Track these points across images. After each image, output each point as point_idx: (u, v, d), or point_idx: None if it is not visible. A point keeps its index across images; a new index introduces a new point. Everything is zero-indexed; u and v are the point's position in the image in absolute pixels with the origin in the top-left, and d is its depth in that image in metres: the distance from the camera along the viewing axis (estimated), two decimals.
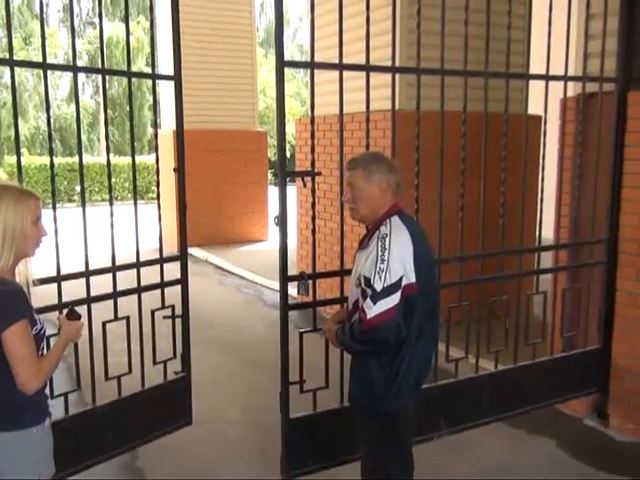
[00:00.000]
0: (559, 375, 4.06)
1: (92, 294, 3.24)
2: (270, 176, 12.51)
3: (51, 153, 3.15)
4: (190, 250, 8.85)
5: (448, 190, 3.56)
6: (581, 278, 4.21)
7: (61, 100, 30.43)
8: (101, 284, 3.32)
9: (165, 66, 9.44)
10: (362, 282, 2.47)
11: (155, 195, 3.71)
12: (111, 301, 3.35)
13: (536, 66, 4.62)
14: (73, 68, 3.15)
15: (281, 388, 3.24)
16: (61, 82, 30.51)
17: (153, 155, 3.79)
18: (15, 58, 2.91)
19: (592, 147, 4.05)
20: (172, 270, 3.63)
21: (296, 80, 32.11)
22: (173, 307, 3.61)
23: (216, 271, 9.47)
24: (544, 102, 3.83)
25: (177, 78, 3.49)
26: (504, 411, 3.87)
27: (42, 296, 2.74)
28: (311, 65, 3.24)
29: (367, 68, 3.29)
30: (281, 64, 3.02)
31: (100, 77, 3.51)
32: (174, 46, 3.44)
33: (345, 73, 3.24)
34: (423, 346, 2.56)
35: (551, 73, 3.81)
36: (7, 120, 26.19)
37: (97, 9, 3.35)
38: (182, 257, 3.66)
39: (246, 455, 3.87)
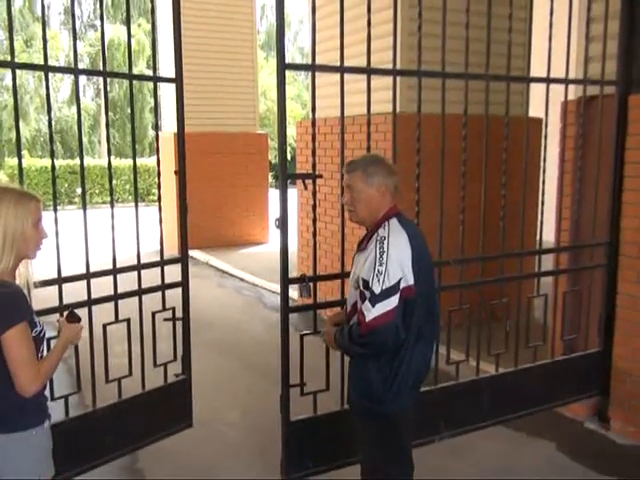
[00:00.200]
0: (560, 378, 4.06)
1: (93, 296, 3.24)
2: (271, 179, 12.52)
3: (52, 155, 3.16)
4: (191, 252, 8.85)
5: (449, 193, 3.56)
6: (582, 281, 4.20)
7: (62, 102, 30.47)
8: (102, 286, 3.32)
9: (166, 68, 9.45)
10: (361, 284, 2.47)
11: (156, 197, 3.71)
12: (112, 303, 3.35)
13: (537, 69, 4.63)
14: (74, 70, 3.15)
15: (282, 390, 3.24)
16: (62, 84, 30.54)
17: (154, 157, 3.79)
18: (16, 60, 2.92)
19: (593, 150, 4.05)
20: (173, 272, 3.63)
21: (297, 83, 32.15)
22: (174, 309, 3.60)
23: (217, 273, 9.48)
24: (545, 105, 3.84)
25: (178, 80, 3.49)
26: (505, 414, 3.86)
27: (43, 298, 2.74)
28: (312, 68, 3.25)
29: (368, 71, 3.29)
30: (282, 67, 3.02)
31: (101, 79, 3.51)
32: (175, 48, 3.44)
33: (346, 76, 3.24)
34: (422, 348, 2.56)
35: (552, 76, 3.81)
36: (8, 122, 26.21)
37: (98, 12, 3.36)
38: (183, 259, 3.66)
39: (246, 457, 3.86)
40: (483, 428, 3.77)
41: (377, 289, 2.38)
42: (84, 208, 3.24)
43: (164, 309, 3.59)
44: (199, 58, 10.01)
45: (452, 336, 3.63)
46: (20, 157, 3.03)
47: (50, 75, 3.04)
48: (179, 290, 3.63)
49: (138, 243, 3.45)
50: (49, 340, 2.42)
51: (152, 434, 3.51)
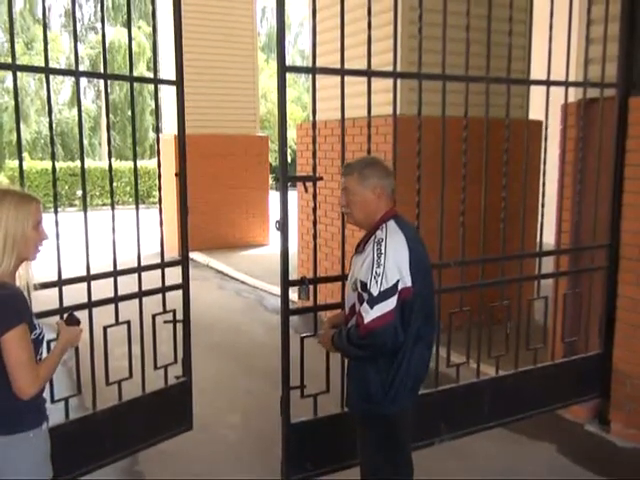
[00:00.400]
0: (560, 380, 4.05)
1: (93, 298, 3.24)
2: (271, 181, 12.51)
3: (53, 157, 3.16)
4: (191, 255, 8.86)
5: (449, 195, 3.56)
6: (582, 283, 4.20)
7: (63, 104, 30.47)
8: (102, 288, 3.32)
9: (166, 71, 9.46)
10: (358, 286, 2.48)
11: (156, 199, 3.71)
12: (112, 305, 3.35)
13: (537, 72, 4.63)
14: (75, 73, 3.16)
15: (282, 393, 3.24)
16: (63, 87, 30.53)
17: (154, 160, 3.80)
18: (17, 63, 2.92)
19: (593, 152, 4.05)
20: (173, 275, 3.64)
21: (297, 85, 32.16)
22: (174, 312, 3.60)
23: (217, 276, 9.48)
24: (545, 107, 3.84)
25: (179, 83, 3.50)
26: (505, 416, 3.86)
27: (43, 300, 2.74)
28: (312, 70, 3.25)
29: (369, 73, 3.30)
30: (283, 69, 3.03)
31: (102, 82, 3.52)
32: (176, 51, 3.45)
33: (347, 78, 3.25)
34: (420, 350, 2.56)
35: (552, 79, 3.81)
36: (9, 124, 26.23)
37: (99, 14, 3.37)
38: (183, 262, 3.67)
39: (246, 460, 3.86)
40: (483, 430, 3.77)
41: (375, 291, 2.39)
42: (85, 210, 3.24)
43: (164, 311, 3.58)
44: (199, 60, 10.02)
45: (452, 338, 3.63)
46: (21, 159, 3.04)
47: (51, 77, 3.04)
48: (179, 292, 3.63)
49: (139, 245, 3.45)
50: (48, 342, 2.42)
51: (152, 436, 3.51)
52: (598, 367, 4.14)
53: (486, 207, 3.70)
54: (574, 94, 4.15)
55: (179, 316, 3.63)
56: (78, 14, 29.64)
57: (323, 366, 3.29)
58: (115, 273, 3.34)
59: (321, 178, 3.26)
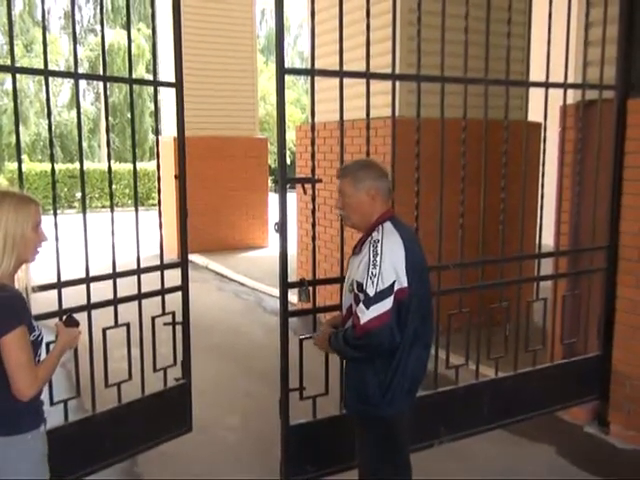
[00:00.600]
0: (559, 382, 4.05)
1: (92, 301, 3.24)
2: (270, 183, 12.52)
3: (52, 159, 3.16)
4: (190, 256, 8.87)
5: (448, 197, 3.56)
6: (581, 285, 4.20)
7: (62, 107, 30.50)
8: (101, 291, 3.32)
9: (166, 73, 9.47)
10: (355, 288, 2.49)
11: (156, 202, 3.71)
12: (111, 308, 3.35)
13: (536, 73, 4.63)
14: (74, 75, 3.16)
15: (281, 395, 3.24)
16: (62, 89, 30.59)
17: (154, 162, 3.80)
18: (17, 65, 2.92)
19: (592, 154, 4.06)
20: (172, 277, 3.63)
21: (296, 87, 32.18)
22: (173, 314, 3.60)
23: (216, 277, 9.47)
24: (544, 109, 3.84)
25: (178, 85, 3.50)
26: (504, 418, 3.86)
27: (42, 302, 2.74)
28: (311, 72, 3.25)
29: (367, 75, 3.30)
30: (281, 71, 3.03)
31: (101, 84, 3.52)
32: (175, 53, 3.45)
33: (345, 80, 3.25)
34: (417, 351, 2.56)
35: (551, 80, 3.82)
36: (8, 126, 26.23)
37: (99, 16, 3.37)
38: (183, 264, 3.67)
39: (246, 462, 3.86)
40: (483, 432, 3.77)
41: (371, 291, 2.39)
42: (84, 212, 3.24)
43: (164, 313, 3.58)
44: (199, 62, 10.02)
45: (452, 340, 3.63)
46: (20, 161, 3.04)
47: (50, 79, 3.05)
48: (179, 294, 3.63)
49: (138, 247, 3.45)
50: (47, 344, 2.42)
51: (152, 438, 3.51)
52: (597, 369, 4.14)
53: (485, 209, 3.70)
54: (573, 96, 4.15)
55: (178, 318, 3.62)
56: (77, 16, 29.66)
57: (322, 368, 3.29)
58: (114, 275, 3.34)
59: (320, 180, 3.26)
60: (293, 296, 3.27)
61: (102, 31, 3.34)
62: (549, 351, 4.17)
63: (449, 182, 3.54)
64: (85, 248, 3.19)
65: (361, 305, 2.41)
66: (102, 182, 21.02)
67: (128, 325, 3.39)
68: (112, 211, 3.38)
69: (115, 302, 3.36)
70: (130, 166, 16.21)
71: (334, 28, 3.25)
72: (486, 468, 3.75)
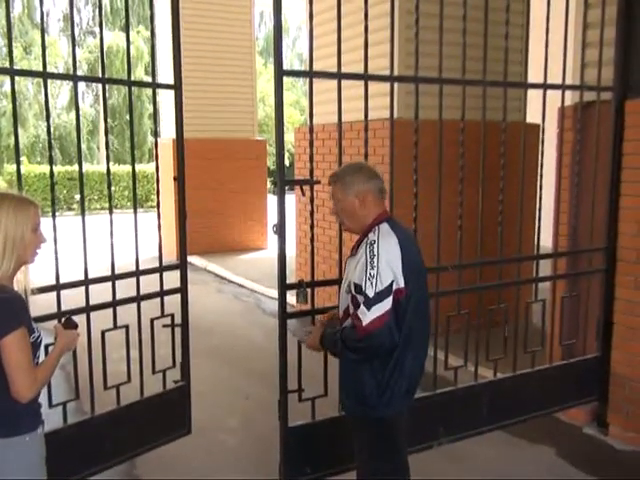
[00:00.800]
0: (558, 383, 4.06)
1: (91, 303, 3.24)
2: (269, 185, 12.52)
3: (51, 161, 3.16)
4: (189, 258, 8.87)
5: (447, 198, 3.56)
6: (580, 286, 4.21)
7: (61, 109, 30.49)
8: (100, 293, 3.32)
9: (165, 75, 9.47)
10: (352, 289, 2.49)
11: (154, 203, 3.71)
12: (110, 310, 3.35)
13: (534, 75, 4.64)
14: (73, 77, 3.16)
15: (279, 396, 3.24)
16: (61, 91, 30.57)
17: (153, 164, 3.80)
18: (15, 67, 2.93)
19: (590, 155, 4.06)
20: (171, 278, 3.63)
21: (295, 89, 32.19)
22: (172, 316, 3.60)
23: (215, 279, 9.47)
24: (542, 111, 3.85)
25: (177, 87, 3.50)
26: (503, 419, 3.87)
27: (41, 305, 2.74)
28: (310, 74, 3.26)
29: (365, 77, 3.31)
30: (280, 73, 3.04)
31: (100, 86, 3.52)
32: (174, 55, 3.45)
33: (344, 82, 3.25)
34: (414, 352, 2.57)
35: (549, 82, 3.83)
36: (7, 129, 26.22)
37: (97, 18, 3.37)
38: (182, 265, 3.67)
39: (245, 464, 3.86)
40: (482, 433, 3.77)
41: (371, 292, 2.39)
42: (83, 214, 3.24)
43: (163, 315, 3.58)
44: (197, 64, 10.03)
45: (450, 341, 3.63)
46: (19, 163, 3.04)
47: (49, 81, 3.05)
48: (178, 296, 3.63)
49: (137, 249, 3.45)
50: (46, 347, 2.42)
51: (151, 441, 3.51)
52: (596, 370, 4.14)
53: (483, 210, 3.71)
54: (571, 97, 4.16)
55: (177, 320, 3.62)
56: (76, 18, 29.69)
57: (321, 369, 3.30)
58: (113, 277, 3.34)
59: (318, 182, 3.26)
60: (292, 298, 3.27)
61: (101, 33, 3.34)
62: (548, 352, 4.17)
63: (447, 184, 3.54)
64: (84, 250, 3.19)
65: (362, 307, 2.41)
66: (101, 184, 21.00)
67: (127, 327, 3.39)
68: (111, 213, 3.38)
69: (114, 304, 3.35)
70: (129, 168, 16.18)
71: (332, 30, 3.25)
72: (485, 469, 3.75)
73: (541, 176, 3.96)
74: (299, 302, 3.25)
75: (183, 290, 3.65)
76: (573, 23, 3.97)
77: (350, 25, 3.43)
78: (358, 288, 2.44)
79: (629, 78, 3.93)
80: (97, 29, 22.96)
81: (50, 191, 3.18)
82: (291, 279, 3.30)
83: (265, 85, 25.89)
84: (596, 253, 4.12)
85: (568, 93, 4.04)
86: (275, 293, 3.46)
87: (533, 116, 4.54)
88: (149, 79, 3.79)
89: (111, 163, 4.00)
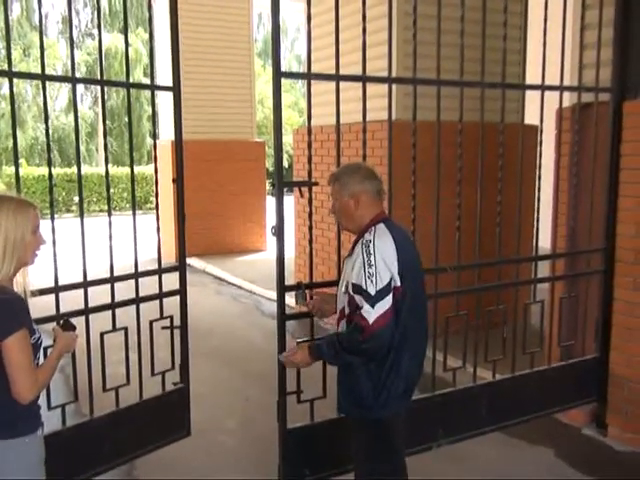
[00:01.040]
0: (557, 384, 4.06)
1: (90, 305, 3.24)
2: (268, 186, 12.52)
3: (49, 164, 3.16)
4: (188, 260, 8.87)
5: (445, 199, 3.57)
6: (578, 287, 4.21)
7: (59, 111, 30.48)
8: (99, 295, 3.32)
9: (163, 77, 9.48)
10: (350, 289, 2.49)
11: (153, 205, 3.71)
12: (109, 312, 3.34)
13: (532, 76, 4.65)
14: (72, 79, 3.16)
15: (278, 398, 3.24)
16: (59, 93, 30.54)
17: (151, 165, 3.80)
18: (14, 69, 2.93)
19: (588, 157, 4.07)
20: (170, 280, 3.63)
21: (294, 90, 32.19)
22: (172, 317, 3.60)
23: (214, 281, 9.47)
24: (540, 112, 3.86)
25: (176, 89, 3.50)
26: (502, 420, 3.87)
27: (40, 306, 2.74)
28: (308, 76, 3.26)
29: (364, 79, 3.31)
30: (278, 75, 3.04)
31: (98, 88, 3.52)
32: (173, 57, 3.46)
33: (342, 83, 3.26)
34: (411, 352, 2.57)
35: (547, 83, 3.83)
36: (5, 131, 26.18)
37: (96, 21, 3.37)
38: (180, 267, 3.67)
39: (244, 465, 3.86)
40: (481, 435, 3.78)
41: (372, 290, 2.40)
42: (81, 216, 3.24)
43: (162, 317, 3.58)
44: (196, 66, 10.03)
45: (449, 342, 3.64)
46: (17, 165, 3.04)
47: (48, 84, 3.05)
48: (177, 298, 3.63)
49: (136, 251, 3.45)
50: (46, 349, 2.42)
51: (150, 443, 3.51)
52: (595, 371, 4.15)
53: (482, 211, 3.71)
54: (569, 99, 4.17)
55: (176, 322, 3.62)
56: (75, 21, 29.71)
57: (319, 371, 3.29)
58: (112, 279, 3.34)
59: (317, 183, 3.27)
60: (291, 299, 3.27)
61: (99, 35, 3.34)
62: (547, 353, 4.17)
63: (446, 185, 3.55)
64: (83, 252, 3.19)
65: (366, 305, 2.41)
66: (100, 186, 20.96)
67: (126, 329, 3.39)
68: (110, 215, 3.39)
69: (113, 306, 3.35)
70: (128, 170, 16.19)
71: (331, 32, 3.26)
72: (485, 470, 3.75)
73: (539, 177, 3.97)
74: (298, 304, 3.25)
75: (182, 292, 3.65)
76: (571, 24, 3.97)
77: (348, 27, 3.44)
78: (356, 288, 2.45)
79: (627, 79, 3.94)
80: (96, 31, 22.96)
81: (49, 193, 3.17)
82: (290, 281, 3.30)
83: (264, 86, 25.88)
84: (595, 254, 4.13)
85: (566, 94, 4.05)
86: (274, 295, 3.46)
87: (531, 117, 4.56)
88: (148, 81, 3.80)
89: (110, 165, 4.00)
